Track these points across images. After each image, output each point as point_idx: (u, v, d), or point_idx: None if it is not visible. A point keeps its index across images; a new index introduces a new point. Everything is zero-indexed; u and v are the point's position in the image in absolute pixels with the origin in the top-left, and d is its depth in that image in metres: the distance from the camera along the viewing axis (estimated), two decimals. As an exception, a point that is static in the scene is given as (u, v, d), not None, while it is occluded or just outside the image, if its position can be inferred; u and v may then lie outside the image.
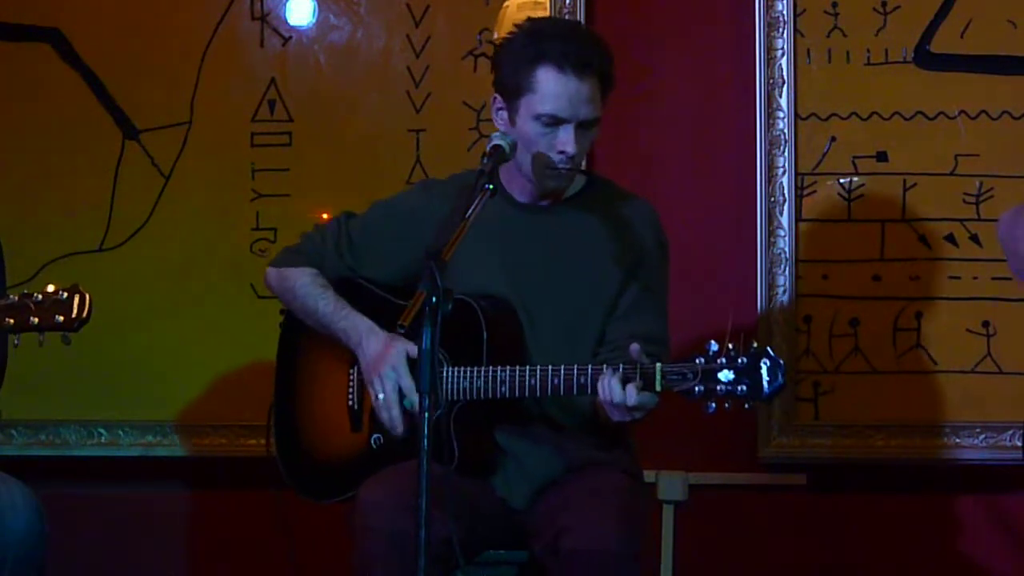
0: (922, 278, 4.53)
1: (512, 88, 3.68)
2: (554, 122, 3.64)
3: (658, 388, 3.40)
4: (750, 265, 4.56)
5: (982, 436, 4.49)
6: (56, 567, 3.84)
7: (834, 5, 4.54)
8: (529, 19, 3.86)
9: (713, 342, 3.36)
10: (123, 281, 4.70)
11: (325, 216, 4.47)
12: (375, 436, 3.77)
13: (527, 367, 3.57)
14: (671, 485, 4.50)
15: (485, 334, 3.64)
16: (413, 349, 3.64)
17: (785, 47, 4.54)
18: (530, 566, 3.72)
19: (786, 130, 4.54)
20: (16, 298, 3.58)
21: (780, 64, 4.54)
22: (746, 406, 3.37)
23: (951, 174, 4.52)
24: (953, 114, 4.51)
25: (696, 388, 3.36)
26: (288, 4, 4.73)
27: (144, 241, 4.74)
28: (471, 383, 3.61)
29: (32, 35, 4.75)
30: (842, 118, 4.55)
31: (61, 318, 3.54)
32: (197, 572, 4.80)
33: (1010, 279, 4.36)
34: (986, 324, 4.50)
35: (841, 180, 4.56)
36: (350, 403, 3.82)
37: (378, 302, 3.80)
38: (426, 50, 4.68)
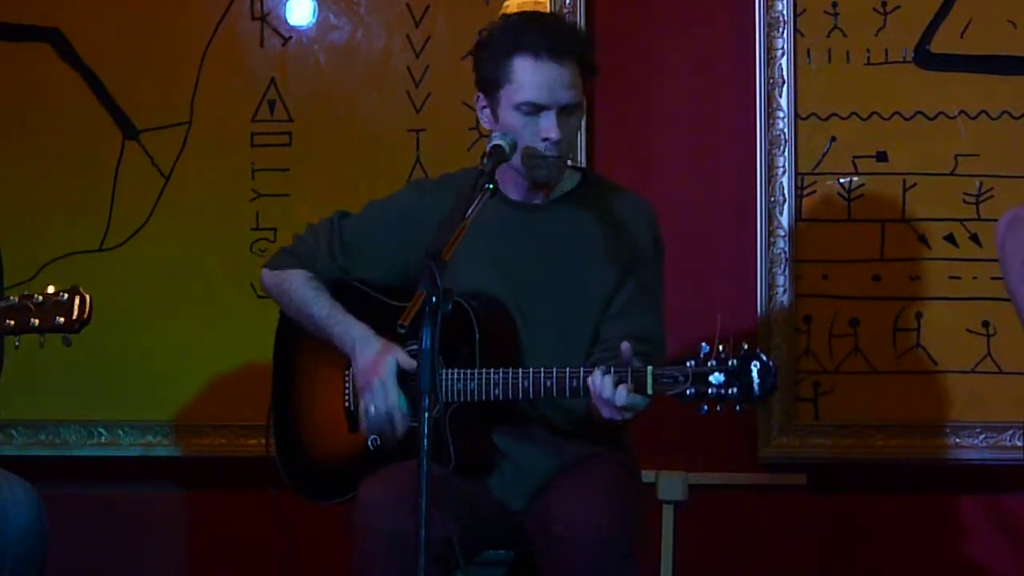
0: (922, 278, 4.53)
1: (492, 82, 3.70)
2: (535, 110, 3.64)
3: (649, 391, 3.41)
4: (750, 265, 4.56)
5: (982, 436, 4.49)
6: (56, 567, 3.84)
7: (834, 5, 4.54)
8: (503, 15, 3.87)
9: (704, 344, 3.37)
10: (123, 281, 4.70)
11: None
12: (372, 437, 3.77)
13: (520, 369, 3.57)
14: (671, 485, 4.50)
15: (478, 335, 3.64)
16: (405, 359, 3.64)
17: (785, 47, 4.54)
18: (518, 565, 3.72)
19: (786, 130, 4.54)
20: (16, 300, 3.58)
21: (780, 64, 4.54)
22: (737, 408, 3.37)
23: (951, 174, 4.52)
24: (953, 114, 4.51)
25: (687, 391, 3.37)
26: (288, 4, 4.72)
27: (144, 241, 4.74)
28: (465, 385, 3.61)
29: (32, 35, 4.75)
30: (842, 118, 4.55)
31: (62, 319, 3.55)
32: (197, 572, 4.80)
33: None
34: (986, 324, 4.50)
35: (841, 180, 4.56)
36: (347, 404, 3.82)
37: (372, 304, 3.80)
38: (426, 50, 4.68)
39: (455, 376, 3.62)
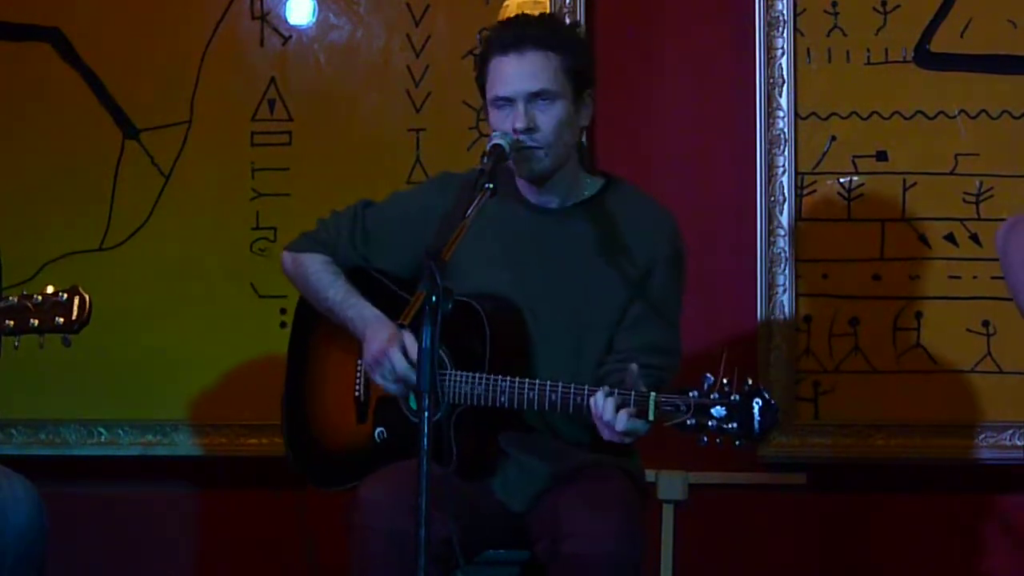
0: (922, 278, 4.53)
1: (480, 88, 3.74)
2: (506, 103, 3.66)
3: (651, 417, 3.40)
4: (750, 264, 4.56)
5: (982, 436, 4.49)
6: (56, 566, 3.84)
7: (834, 4, 4.54)
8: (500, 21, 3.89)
9: (708, 375, 3.36)
10: (123, 281, 4.70)
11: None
12: (379, 430, 3.78)
13: (527, 380, 3.56)
14: (671, 485, 4.50)
15: (488, 337, 3.64)
16: (414, 345, 3.63)
17: (785, 46, 4.54)
18: (530, 566, 3.72)
19: (786, 129, 4.54)
20: (15, 300, 3.58)
21: (780, 63, 4.54)
22: (736, 444, 3.36)
23: (951, 173, 4.52)
24: (953, 114, 4.51)
25: (688, 421, 3.36)
26: (288, 3, 4.72)
27: (144, 241, 4.74)
28: (472, 389, 3.61)
29: (32, 35, 4.75)
30: (842, 117, 4.55)
31: (61, 320, 3.54)
32: (197, 571, 4.80)
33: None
34: (986, 324, 4.50)
35: (841, 179, 4.56)
36: (357, 394, 3.83)
37: (388, 295, 3.80)
38: (426, 49, 4.68)
39: (463, 379, 3.62)
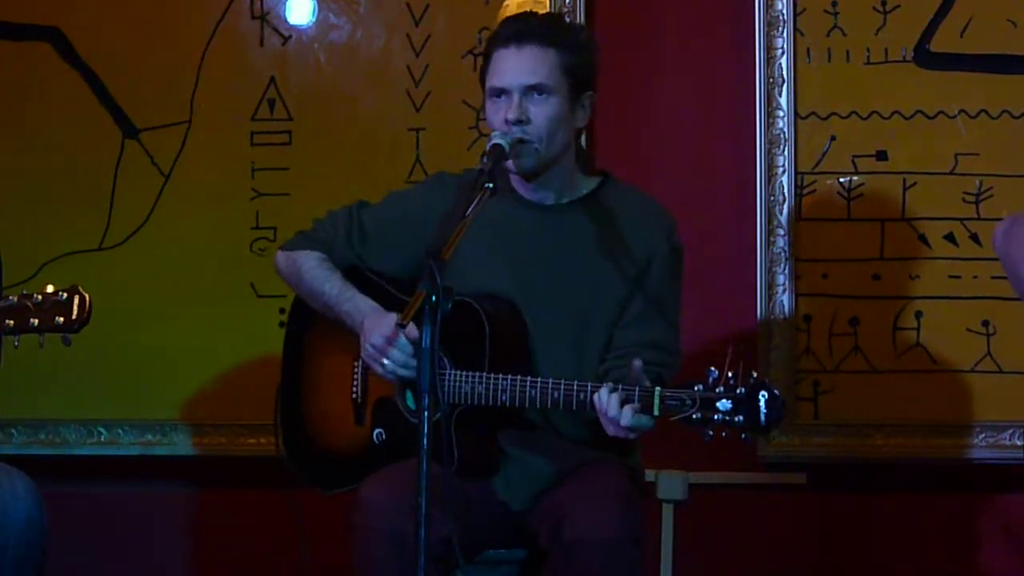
0: (922, 277, 4.53)
1: (482, 83, 3.75)
2: (501, 94, 3.68)
3: (655, 412, 3.40)
4: (750, 264, 4.56)
5: (982, 436, 4.49)
6: (56, 566, 3.84)
7: (834, 4, 4.54)
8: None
9: (713, 369, 3.36)
10: (123, 280, 4.70)
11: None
12: (377, 431, 3.78)
13: (528, 378, 3.56)
14: (671, 484, 4.50)
15: (488, 336, 3.63)
16: (413, 331, 3.61)
17: (785, 46, 4.54)
18: (529, 564, 3.72)
19: (786, 129, 4.54)
20: (15, 299, 3.58)
21: (780, 63, 4.54)
22: (743, 437, 3.37)
23: (951, 173, 4.52)
24: (953, 113, 4.51)
25: (693, 415, 3.36)
26: (288, 3, 4.72)
27: (144, 240, 4.74)
28: (472, 388, 3.60)
29: (32, 35, 4.75)
30: (842, 117, 4.55)
31: (61, 319, 3.54)
32: (197, 571, 4.80)
33: (1011, 278, 4.37)
34: (986, 323, 4.50)
35: (841, 179, 4.56)
36: (354, 396, 3.83)
37: (384, 296, 3.79)
38: (426, 49, 4.68)
39: (463, 378, 3.61)
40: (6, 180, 4.76)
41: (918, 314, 4.53)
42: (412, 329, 3.59)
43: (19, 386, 4.61)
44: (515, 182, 3.78)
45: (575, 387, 3.51)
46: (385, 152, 4.68)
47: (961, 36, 4.50)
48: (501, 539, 3.75)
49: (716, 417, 3.35)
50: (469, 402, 3.61)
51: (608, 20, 4.61)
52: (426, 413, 3.13)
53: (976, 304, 4.50)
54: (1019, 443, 4.47)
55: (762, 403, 3.34)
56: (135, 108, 4.74)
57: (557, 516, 3.55)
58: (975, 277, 4.50)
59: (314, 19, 4.72)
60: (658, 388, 3.39)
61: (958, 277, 4.51)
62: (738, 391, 3.35)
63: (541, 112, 3.67)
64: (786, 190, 4.54)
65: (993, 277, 4.45)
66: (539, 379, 3.55)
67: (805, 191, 4.56)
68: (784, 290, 4.55)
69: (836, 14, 4.54)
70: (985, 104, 4.49)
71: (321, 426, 3.88)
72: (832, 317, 4.55)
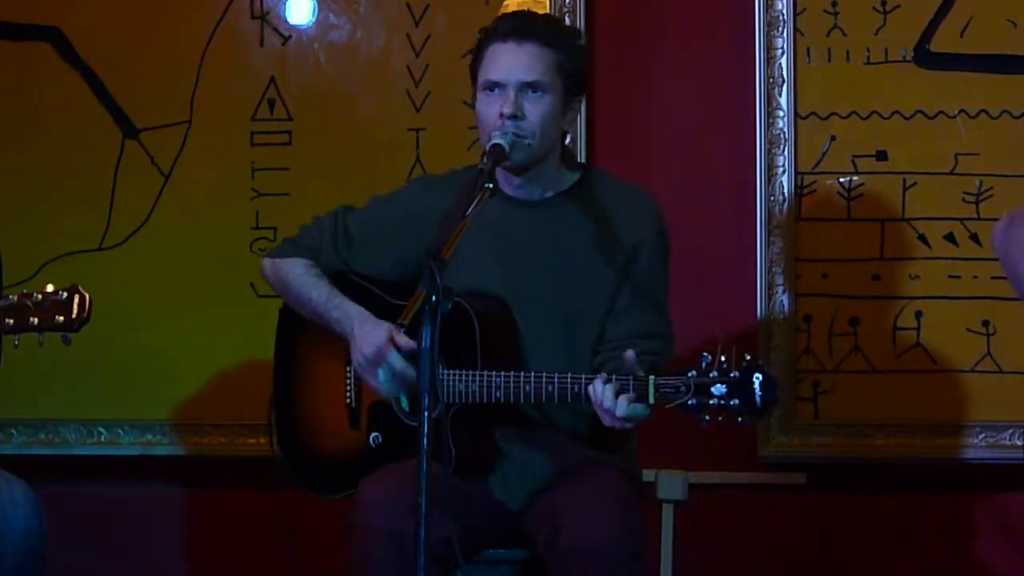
0: (922, 277, 4.53)
1: (473, 75, 3.76)
2: (496, 88, 3.69)
3: (651, 401, 3.41)
4: (750, 264, 4.56)
5: (982, 436, 4.49)
6: (55, 566, 3.84)
7: (834, 4, 4.54)
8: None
9: (706, 354, 3.37)
10: (123, 280, 4.70)
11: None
12: (373, 435, 3.78)
13: (522, 373, 3.57)
14: (671, 485, 4.49)
15: (478, 335, 3.64)
16: (404, 340, 3.61)
17: (785, 46, 4.54)
18: (529, 564, 3.72)
19: (786, 129, 4.54)
20: (15, 299, 3.58)
21: (780, 63, 4.54)
22: (740, 420, 3.37)
23: (951, 173, 4.52)
24: (953, 113, 4.51)
25: (689, 401, 3.37)
26: (288, 3, 4.72)
27: (144, 240, 4.74)
28: (467, 387, 3.61)
29: (32, 35, 4.75)
30: (842, 117, 4.55)
31: (61, 319, 3.54)
32: (196, 571, 4.80)
33: (1011, 278, 4.37)
34: (986, 323, 4.49)
35: (841, 179, 4.56)
36: (348, 400, 3.83)
37: (371, 300, 3.79)
38: (426, 49, 4.68)
39: (457, 377, 3.61)
40: (6, 180, 4.76)
41: (918, 314, 4.53)
42: (405, 339, 3.59)
43: (19, 386, 4.61)
44: (501, 180, 3.77)
45: (569, 380, 3.51)
46: (385, 152, 4.68)
47: (961, 36, 4.50)
48: (500, 539, 3.75)
49: (711, 402, 3.36)
50: (464, 400, 3.61)
51: (608, 20, 4.61)
52: (426, 413, 3.13)
53: (976, 304, 4.50)
54: (1019, 443, 4.47)
55: (756, 385, 3.36)
56: (135, 108, 4.74)
57: (555, 520, 3.55)
58: (975, 277, 4.50)
59: (314, 19, 4.72)
60: (652, 376, 3.40)
61: (958, 277, 4.51)
62: (732, 375, 3.36)
63: (535, 109, 3.68)
64: (786, 190, 4.54)
65: (993, 277, 4.45)
66: (532, 374, 3.55)
67: (805, 191, 4.56)
68: (784, 290, 4.55)
69: (836, 14, 4.54)
70: (985, 104, 4.49)
71: (316, 431, 3.88)
72: (832, 317, 4.55)
